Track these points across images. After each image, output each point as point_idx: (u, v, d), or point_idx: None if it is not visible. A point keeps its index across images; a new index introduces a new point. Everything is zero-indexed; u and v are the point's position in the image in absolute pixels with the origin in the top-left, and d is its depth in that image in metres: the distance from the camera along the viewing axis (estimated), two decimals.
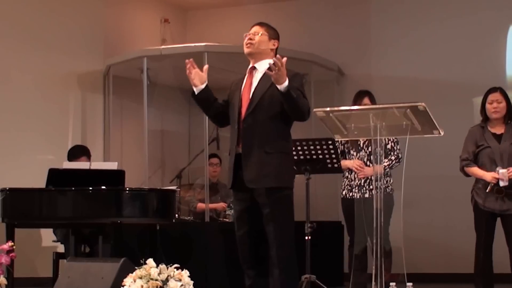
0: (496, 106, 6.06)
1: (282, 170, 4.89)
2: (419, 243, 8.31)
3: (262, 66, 5.05)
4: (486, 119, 6.13)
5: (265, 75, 4.99)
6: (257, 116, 4.89)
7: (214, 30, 10.01)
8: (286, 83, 4.75)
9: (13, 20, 8.24)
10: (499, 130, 6.08)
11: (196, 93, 5.15)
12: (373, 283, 4.55)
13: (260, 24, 5.15)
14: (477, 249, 6.03)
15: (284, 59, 4.76)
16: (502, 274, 6.26)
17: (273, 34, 5.14)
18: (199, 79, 5.16)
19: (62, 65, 8.64)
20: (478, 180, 6.07)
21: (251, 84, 5.04)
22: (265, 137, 4.87)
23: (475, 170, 6.04)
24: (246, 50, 5.08)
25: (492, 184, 5.91)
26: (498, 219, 6.07)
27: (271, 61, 4.98)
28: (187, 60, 5.07)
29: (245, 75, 5.16)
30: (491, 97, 6.10)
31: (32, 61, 8.34)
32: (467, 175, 6.12)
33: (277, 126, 4.91)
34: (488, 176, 5.94)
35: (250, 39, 5.06)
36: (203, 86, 5.17)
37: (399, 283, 4.61)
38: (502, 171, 5.88)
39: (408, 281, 4.55)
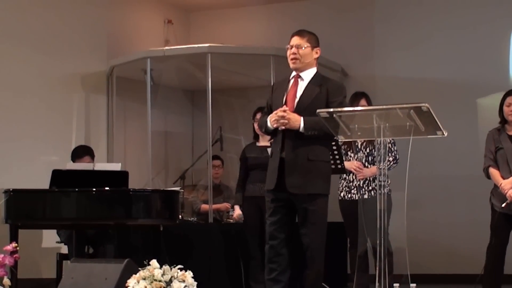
0: None
1: (323, 177, 5.08)
2: (422, 244, 8.29)
3: (307, 75, 5.17)
4: (504, 121, 6.12)
5: (310, 84, 5.12)
6: (302, 137, 5.01)
7: (217, 31, 10.02)
8: (302, 125, 4.96)
9: (16, 22, 8.24)
10: None
11: (270, 129, 5.16)
12: (377, 284, 4.55)
13: (301, 34, 5.20)
14: (489, 250, 6.02)
15: (284, 109, 4.98)
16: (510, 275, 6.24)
17: (315, 41, 5.24)
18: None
19: (66, 66, 8.64)
20: None
21: (295, 92, 5.13)
22: (309, 145, 5.02)
23: (496, 175, 6.03)
24: (292, 66, 5.17)
25: (508, 202, 5.90)
26: None
27: (314, 69, 5.20)
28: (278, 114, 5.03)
29: (287, 79, 5.22)
30: (508, 99, 6.08)
31: (35, 62, 8.35)
32: (488, 177, 6.10)
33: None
34: (508, 193, 5.90)
35: (294, 53, 5.12)
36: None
37: (402, 284, 4.60)
38: None
39: (412, 282, 4.55)
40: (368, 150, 6.33)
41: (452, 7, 8.99)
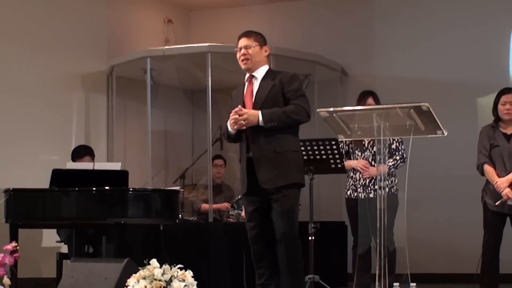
0: (509, 108, 6.06)
1: (293, 167, 5.03)
2: (423, 243, 8.30)
3: (260, 73, 5.17)
4: (498, 119, 6.13)
5: (264, 80, 5.11)
6: (264, 130, 4.96)
7: (217, 31, 10.01)
8: (261, 119, 4.93)
9: (16, 22, 8.25)
10: (510, 130, 6.09)
11: (232, 133, 5.11)
12: (377, 283, 4.55)
13: (247, 35, 5.19)
14: (484, 249, 6.02)
15: (238, 109, 4.93)
16: (508, 274, 6.24)
17: (262, 40, 5.22)
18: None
19: (66, 65, 8.64)
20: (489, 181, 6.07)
21: (252, 91, 5.14)
22: (273, 138, 4.97)
23: (491, 172, 6.03)
24: (244, 67, 5.17)
25: (503, 200, 5.90)
26: (507, 219, 6.08)
27: (266, 66, 5.18)
28: (232, 116, 5.01)
29: (243, 84, 5.21)
30: (504, 98, 6.09)
31: (35, 61, 8.35)
32: (482, 173, 6.10)
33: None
34: (503, 191, 5.91)
35: (244, 54, 5.12)
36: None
37: (402, 283, 4.60)
38: None
39: (412, 281, 4.55)
40: (375, 149, 6.31)
41: (452, 7, 8.99)
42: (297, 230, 5.03)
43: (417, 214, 8.07)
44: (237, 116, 4.95)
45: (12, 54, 8.18)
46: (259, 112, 4.93)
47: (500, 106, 6.09)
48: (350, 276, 7.11)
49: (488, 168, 6.04)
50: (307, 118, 5.00)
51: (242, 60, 5.12)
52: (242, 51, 5.11)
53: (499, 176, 5.97)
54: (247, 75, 5.19)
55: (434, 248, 8.67)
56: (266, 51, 5.19)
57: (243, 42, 5.14)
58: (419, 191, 8.04)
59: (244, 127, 4.99)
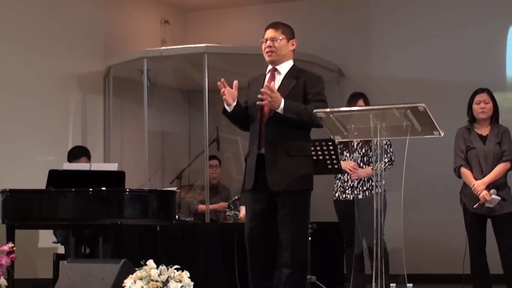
0: (483, 106, 6.10)
1: (305, 173, 4.94)
2: (419, 244, 8.30)
3: (284, 68, 5.03)
4: (472, 120, 6.18)
5: (286, 78, 4.98)
6: (280, 119, 4.87)
7: (214, 31, 10.01)
8: (282, 105, 4.79)
9: (14, 21, 8.24)
10: (485, 131, 6.12)
11: (229, 111, 5.00)
12: (373, 284, 4.55)
13: (275, 26, 5.05)
14: (470, 251, 6.05)
15: (272, 84, 4.81)
16: (500, 274, 6.26)
17: (290, 33, 5.06)
18: (231, 97, 4.98)
19: (62, 66, 8.64)
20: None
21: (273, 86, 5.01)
22: (288, 140, 4.89)
23: (468, 175, 6.05)
24: (268, 59, 5.03)
25: (481, 202, 5.93)
26: (489, 220, 6.10)
27: (291, 62, 5.04)
28: (218, 83, 4.94)
29: (263, 74, 5.11)
30: (478, 97, 6.15)
31: (32, 62, 8.34)
32: (459, 176, 6.13)
33: (298, 129, 4.93)
34: (481, 194, 5.94)
35: (270, 46, 4.99)
36: (234, 103, 4.99)
37: (399, 284, 4.61)
38: (495, 197, 5.88)
39: (409, 282, 4.55)
40: (363, 151, 6.34)
41: (449, 7, 8.99)
42: (307, 237, 4.96)
43: (414, 215, 8.06)
44: (270, 89, 4.76)
45: (8, 54, 8.16)
46: (282, 99, 4.80)
47: (474, 106, 6.14)
48: (347, 276, 7.11)
49: (465, 171, 6.07)
50: (321, 124, 4.88)
51: (267, 52, 5.00)
52: (268, 42, 4.99)
53: (476, 179, 6.00)
54: (269, 67, 5.07)
55: (431, 248, 8.67)
56: (293, 45, 5.05)
57: (270, 33, 5.01)
58: (416, 192, 8.05)
59: (265, 105, 4.83)
